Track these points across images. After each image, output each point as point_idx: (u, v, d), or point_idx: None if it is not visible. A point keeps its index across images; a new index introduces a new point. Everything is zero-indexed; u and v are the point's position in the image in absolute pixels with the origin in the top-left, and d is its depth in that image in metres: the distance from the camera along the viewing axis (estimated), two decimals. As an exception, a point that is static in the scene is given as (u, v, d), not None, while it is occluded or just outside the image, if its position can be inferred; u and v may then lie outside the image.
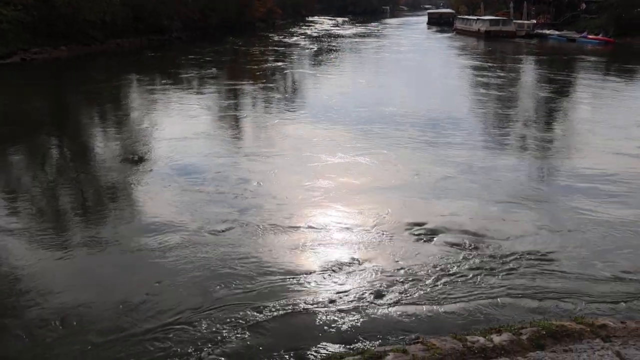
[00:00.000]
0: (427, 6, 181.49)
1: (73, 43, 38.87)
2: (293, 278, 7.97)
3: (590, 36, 52.46)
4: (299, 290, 7.65)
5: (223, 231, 9.46)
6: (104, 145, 15.76)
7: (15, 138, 16.50)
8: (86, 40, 40.22)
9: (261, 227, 9.65)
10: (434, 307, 7.28)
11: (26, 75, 31.19)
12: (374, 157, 13.69)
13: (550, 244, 9.13)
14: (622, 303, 7.43)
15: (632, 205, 10.93)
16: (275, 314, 7.05)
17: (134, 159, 13.94)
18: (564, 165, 13.62)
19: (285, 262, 8.45)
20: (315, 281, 7.91)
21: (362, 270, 8.18)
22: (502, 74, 30.43)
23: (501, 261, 8.50)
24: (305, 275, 8.05)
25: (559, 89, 26.13)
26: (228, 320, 6.92)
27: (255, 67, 32.94)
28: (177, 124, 17.65)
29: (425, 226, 9.63)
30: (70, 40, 38.74)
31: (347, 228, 9.66)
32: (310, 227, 9.76)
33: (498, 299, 7.48)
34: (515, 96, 24.15)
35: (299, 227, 9.70)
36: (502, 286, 7.79)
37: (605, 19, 53.91)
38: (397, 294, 7.54)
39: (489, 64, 35.14)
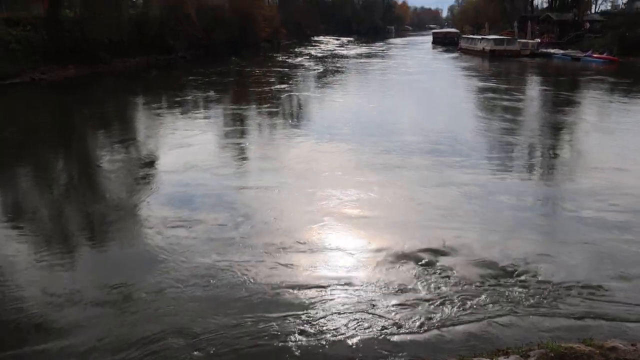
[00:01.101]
0: (431, 26, 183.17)
1: (81, 63, 39.18)
2: (291, 292, 7.96)
3: (594, 55, 52.58)
4: (303, 305, 7.62)
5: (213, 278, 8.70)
6: (106, 166, 15.67)
7: (22, 156, 16.61)
8: (94, 60, 40.53)
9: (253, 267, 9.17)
10: (439, 329, 7.21)
11: (35, 94, 31.47)
12: (383, 187, 12.92)
13: (556, 267, 9.05)
14: (632, 324, 7.34)
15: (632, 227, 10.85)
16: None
17: (134, 184, 13.66)
18: (570, 190, 13.30)
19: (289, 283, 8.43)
20: (316, 302, 7.85)
21: (364, 292, 8.11)
22: (508, 94, 30.32)
23: (506, 283, 8.42)
24: (304, 297, 8.00)
25: (565, 108, 26.04)
26: None
27: (260, 89, 32.31)
28: (181, 149, 16.94)
29: (430, 252, 9.46)
30: (78, 60, 39.05)
31: (350, 254, 9.53)
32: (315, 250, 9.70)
33: (504, 319, 7.41)
34: (523, 117, 24.02)
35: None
36: (508, 307, 7.71)
37: (609, 38, 54.10)
38: (401, 317, 7.47)
39: (495, 84, 35.10)
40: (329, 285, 8.30)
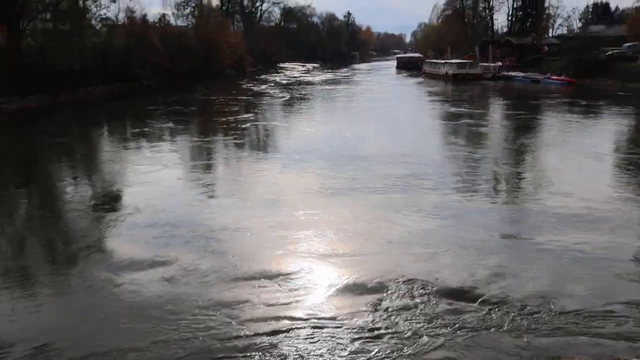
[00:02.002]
0: (395, 51, 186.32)
1: (42, 92, 38.49)
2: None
3: (553, 77, 54.12)
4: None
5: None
6: (65, 198, 15.31)
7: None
8: (56, 89, 39.88)
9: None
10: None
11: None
12: (349, 213, 12.77)
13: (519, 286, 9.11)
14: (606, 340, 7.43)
15: (590, 239, 11.09)
16: None
17: (88, 225, 12.79)
18: (533, 210, 13.43)
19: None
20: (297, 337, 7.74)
21: (339, 326, 7.97)
22: (473, 118, 30.69)
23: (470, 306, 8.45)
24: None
25: (526, 128, 26.72)
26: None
27: (224, 118, 31.07)
28: (140, 186, 15.92)
29: (394, 277, 9.37)
30: (39, 89, 38.37)
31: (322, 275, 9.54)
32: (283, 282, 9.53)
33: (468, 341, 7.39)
34: (489, 140, 24.38)
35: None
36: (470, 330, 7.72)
37: (566, 61, 55.81)
38: (382, 349, 7.41)
39: (460, 108, 35.57)
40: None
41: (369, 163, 18.23)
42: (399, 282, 9.12)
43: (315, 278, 9.43)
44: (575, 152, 20.42)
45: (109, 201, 14.07)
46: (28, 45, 43.25)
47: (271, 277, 9.39)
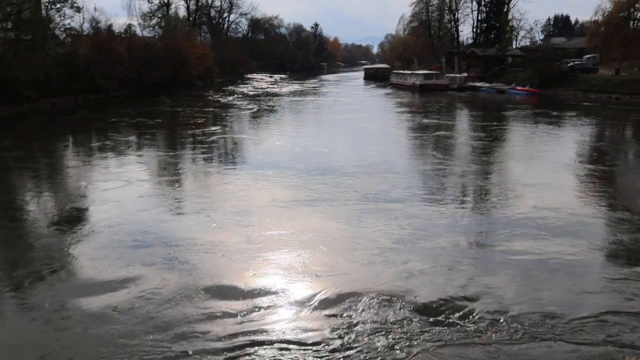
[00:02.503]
0: (362, 62, 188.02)
1: (4, 103, 37.59)
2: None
3: (517, 88, 55.28)
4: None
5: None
6: (18, 217, 14.74)
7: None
8: (18, 99, 39.02)
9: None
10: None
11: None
12: (321, 229, 12.41)
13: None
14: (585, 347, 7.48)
15: (551, 247, 11.26)
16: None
17: (49, 236, 12.48)
18: (500, 219, 13.57)
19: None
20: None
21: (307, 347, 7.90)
22: (442, 129, 30.81)
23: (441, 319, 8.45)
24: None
25: (492, 138, 27.09)
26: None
27: (191, 131, 30.18)
28: (103, 197, 15.32)
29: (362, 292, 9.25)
30: (1, 99, 37.47)
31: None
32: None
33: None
34: (457, 150, 24.56)
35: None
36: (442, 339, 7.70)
37: (530, 72, 57.11)
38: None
39: (427, 119, 35.77)
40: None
41: (341, 177, 17.67)
42: (371, 297, 8.96)
43: (285, 296, 9.10)
44: (542, 162, 20.79)
45: (67, 220, 13.34)
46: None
47: (238, 296, 9.04)
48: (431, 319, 8.24)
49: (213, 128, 31.43)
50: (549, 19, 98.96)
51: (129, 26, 68.09)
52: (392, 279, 9.69)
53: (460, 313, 8.42)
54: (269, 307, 8.74)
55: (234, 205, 14.43)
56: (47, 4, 48.39)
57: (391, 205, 14.32)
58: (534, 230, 12.25)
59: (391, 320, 8.23)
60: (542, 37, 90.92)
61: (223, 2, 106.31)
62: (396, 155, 22.78)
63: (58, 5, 48.40)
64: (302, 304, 8.84)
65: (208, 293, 9.14)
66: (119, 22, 69.22)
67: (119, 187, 16.47)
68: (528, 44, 79.56)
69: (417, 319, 8.27)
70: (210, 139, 26.91)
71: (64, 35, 52.69)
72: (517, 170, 19.68)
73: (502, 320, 8.15)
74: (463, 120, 37.09)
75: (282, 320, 8.31)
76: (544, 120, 34.48)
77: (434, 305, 8.70)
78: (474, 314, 8.37)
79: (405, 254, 10.83)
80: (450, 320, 8.20)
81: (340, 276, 9.83)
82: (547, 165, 19.97)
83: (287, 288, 9.40)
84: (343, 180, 17.08)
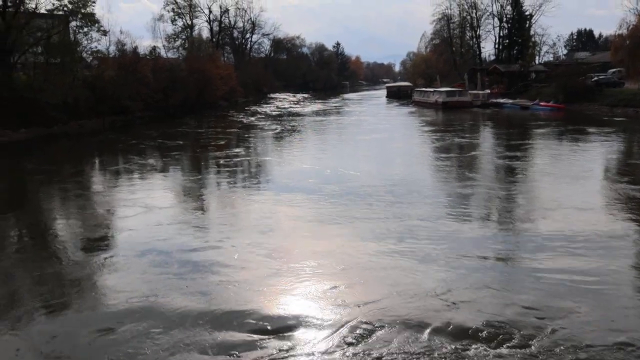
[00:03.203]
0: (385, 80, 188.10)
1: (34, 125, 38.49)
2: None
3: (542, 104, 54.76)
4: None
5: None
6: (56, 233, 15.17)
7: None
8: (47, 122, 39.91)
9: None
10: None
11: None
12: (351, 258, 11.89)
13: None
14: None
15: (577, 260, 11.15)
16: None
17: (86, 251, 12.99)
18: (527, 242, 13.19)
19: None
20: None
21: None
22: (465, 146, 30.70)
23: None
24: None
25: (520, 156, 26.70)
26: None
27: (215, 153, 30.31)
28: (127, 222, 15.46)
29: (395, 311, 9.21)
30: (31, 122, 38.37)
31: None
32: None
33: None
34: (478, 165, 24.44)
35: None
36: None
37: (554, 87, 56.57)
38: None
39: (451, 136, 35.39)
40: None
41: (373, 201, 16.95)
42: (403, 325, 8.65)
43: (313, 327, 8.81)
44: (570, 179, 20.42)
45: (90, 247, 13.25)
46: (20, 78, 43.32)
47: (265, 330, 8.71)
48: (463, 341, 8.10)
49: (236, 150, 31.18)
50: (572, 34, 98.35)
51: (154, 48, 69.65)
52: (430, 309, 9.25)
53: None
54: (295, 338, 8.50)
55: (259, 233, 13.90)
56: (75, 28, 49.69)
57: (427, 231, 13.69)
58: (559, 244, 12.08)
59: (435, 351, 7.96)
60: (565, 52, 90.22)
61: (246, 23, 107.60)
62: (427, 176, 22.39)
63: (85, 29, 49.74)
64: (331, 335, 8.49)
65: (230, 325, 8.84)
66: (144, 44, 70.67)
67: (141, 213, 16.24)
68: (551, 59, 78.85)
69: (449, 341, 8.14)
70: (234, 161, 26.64)
71: (91, 58, 53.88)
72: (547, 189, 19.26)
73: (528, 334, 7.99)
74: (489, 138, 36.67)
75: (310, 353, 8.08)
76: (570, 136, 34.09)
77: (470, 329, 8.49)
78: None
79: (444, 284, 10.28)
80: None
81: (374, 304, 9.44)
82: (575, 182, 19.66)
83: (314, 318, 9.04)
84: (376, 205, 16.42)
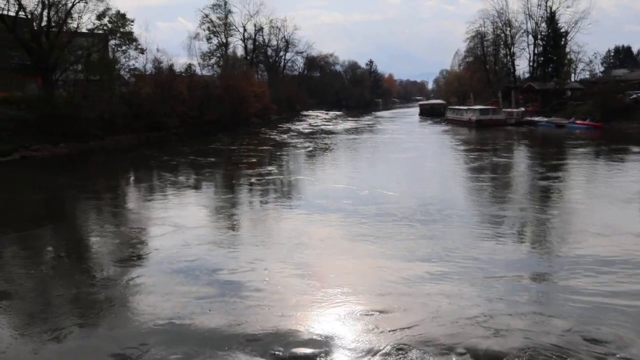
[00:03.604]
0: (417, 98, 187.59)
1: (72, 140, 39.55)
2: None
3: (578, 122, 53.83)
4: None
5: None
6: (88, 249, 15.42)
7: (8, 232, 16.46)
8: (85, 137, 40.99)
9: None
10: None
11: (23, 172, 31.56)
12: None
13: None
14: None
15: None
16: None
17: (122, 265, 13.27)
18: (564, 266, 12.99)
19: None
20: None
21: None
22: (503, 166, 30.26)
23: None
24: None
25: (554, 174, 26.21)
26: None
27: (249, 170, 29.55)
28: (161, 235, 15.71)
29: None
30: (70, 137, 39.46)
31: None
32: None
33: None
34: (514, 185, 24.01)
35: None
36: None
37: (591, 105, 55.61)
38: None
39: (488, 156, 34.78)
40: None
41: (414, 224, 16.29)
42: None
43: (348, 357, 8.48)
44: (611, 201, 19.62)
45: (123, 262, 13.40)
46: (60, 95, 44.67)
47: (295, 357, 8.48)
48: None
49: (269, 168, 30.70)
50: (609, 51, 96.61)
51: (189, 66, 71.04)
52: (470, 336, 8.91)
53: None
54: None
55: (291, 254, 13.50)
56: (114, 46, 51.17)
57: (463, 252, 13.29)
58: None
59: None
60: (602, 69, 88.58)
61: (279, 41, 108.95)
62: (462, 197, 21.81)
63: (124, 48, 51.19)
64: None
65: (257, 350, 8.63)
66: (180, 62, 71.80)
67: (171, 232, 16.09)
68: (587, 76, 77.73)
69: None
70: (266, 179, 26.17)
71: (129, 76, 55.30)
72: (589, 211, 18.74)
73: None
74: (525, 158, 35.52)
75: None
76: (610, 155, 33.27)
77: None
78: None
79: (485, 309, 9.95)
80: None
81: (410, 330, 9.11)
82: (622, 206, 18.75)
83: (346, 345, 8.74)
84: (411, 226, 15.97)
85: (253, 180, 26.20)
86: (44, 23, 44.09)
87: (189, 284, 11.57)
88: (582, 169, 28.63)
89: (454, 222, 16.62)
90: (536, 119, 60.92)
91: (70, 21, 45.32)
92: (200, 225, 17.45)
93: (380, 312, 9.93)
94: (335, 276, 11.87)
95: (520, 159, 34.58)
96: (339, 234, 15.67)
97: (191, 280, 11.83)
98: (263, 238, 15.63)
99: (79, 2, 44.78)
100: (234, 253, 13.94)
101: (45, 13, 43.69)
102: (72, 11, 44.89)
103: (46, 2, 43.17)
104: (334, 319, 9.77)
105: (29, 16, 43.65)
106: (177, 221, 17.37)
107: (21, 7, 42.41)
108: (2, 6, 41.78)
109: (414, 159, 34.55)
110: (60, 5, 43.98)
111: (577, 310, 9.73)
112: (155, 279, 11.96)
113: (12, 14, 42.25)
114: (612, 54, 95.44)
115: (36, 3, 43.26)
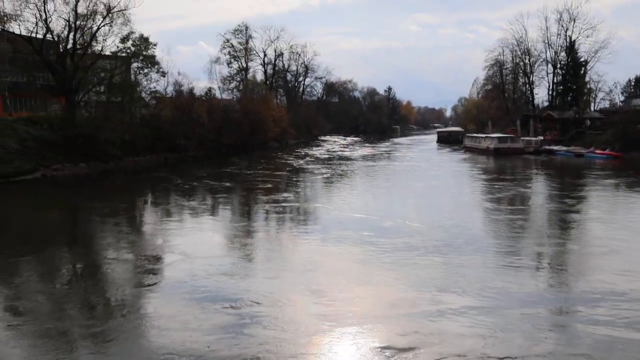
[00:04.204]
0: (435, 125, 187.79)
1: (92, 160, 40.20)
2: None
3: (597, 151, 53.33)
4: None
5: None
6: (105, 271, 15.50)
7: (26, 251, 16.77)
8: (104, 157, 41.61)
9: None
10: None
11: (43, 190, 32.09)
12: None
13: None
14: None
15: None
16: None
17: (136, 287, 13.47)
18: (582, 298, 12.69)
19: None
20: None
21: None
22: (518, 193, 29.93)
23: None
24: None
25: (572, 204, 25.80)
26: None
27: (263, 196, 29.13)
28: (170, 263, 15.58)
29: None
30: (90, 157, 40.10)
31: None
32: None
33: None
34: (535, 216, 23.60)
35: None
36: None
37: (611, 135, 55.09)
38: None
39: (504, 183, 34.34)
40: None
41: (422, 252, 16.12)
42: None
43: None
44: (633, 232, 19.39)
45: (137, 288, 13.44)
46: (82, 115, 45.50)
47: None
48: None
49: (285, 194, 29.68)
50: (629, 80, 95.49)
51: (209, 89, 72.12)
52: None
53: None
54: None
55: (306, 288, 12.96)
56: (136, 69, 52.17)
57: (483, 285, 13.01)
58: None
59: None
60: (622, 98, 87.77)
61: (299, 67, 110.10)
62: (482, 228, 21.16)
63: (146, 71, 52.15)
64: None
65: None
66: (200, 86, 72.97)
67: (182, 260, 15.63)
68: (607, 106, 77.10)
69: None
70: (282, 206, 25.35)
71: (149, 98, 56.17)
72: (596, 242, 18.64)
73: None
74: (547, 189, 33.99)
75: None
76: (631, 186, 32.60)
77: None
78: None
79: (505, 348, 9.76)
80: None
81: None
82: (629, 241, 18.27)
83: None
84: (431, 257, 15.53)
85: (268, 207, 25.42)
86: (69, 45, 45.17)
87: (197, 316, 11.19)
88: (603, 201, 27.84)
89: (478, 254, 16.01)
90: (555, 147, 60.48)
91: (94, 44, 46.41)
92: (213, 254, 16.69)
93: (399, 349, 9.59)
94: (352, 314, 11.29)
95: (541, 190, 33.49)
96: (357, 267, 15.01)
97: (202, 313, 11.34)
98: (277, 271, 14.79)
99: (104, 25, 45.92)
100: (246, 285, 13.23)
101: (71, 36, 44.82)
102: (97, 34, 45.99)
103: (73, 25, 44.27)
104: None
105: (56, 39, 44.76)
106: (189, 249, 16.90)
107: (49, 30, 43.58)
108: (31, 29, 42.98)
109: (434, 187, 33.80)
110: (86, 29, 45.04)
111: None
112: (163, 310, 11.61)
113: (39, 36, 43.36)
114: (633, 83, 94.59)
115: (63, 26, 44.51)
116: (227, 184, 34.76)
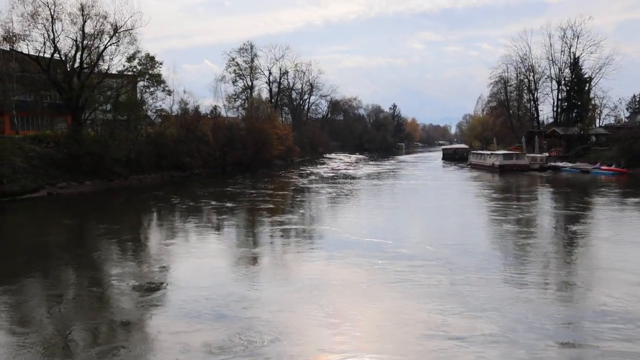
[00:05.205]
0: (440, 142, 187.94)
1: (97, 178, 40.38)
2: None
3: (603, 167, 53.22)
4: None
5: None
6: (109, 288, 15.42)
7: (31, 269, 16.80)
8: (110, 175, 41.78)
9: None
10: None
11: (49, 208, 32.14)
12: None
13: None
14: None
15: None
16: None
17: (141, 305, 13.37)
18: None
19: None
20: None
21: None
22: (526, 211, 29.53)
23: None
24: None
25: (582, 225, 25.25)
26: None
27: (267, 217, 28.19)
28: (174, 288, 14.75)
29: None
30: (96, 175, 40.29)
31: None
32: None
33: None
34: (537, 232, 23.42)
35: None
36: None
37: (616, 151, 55.02)
38: None
39: (510, 202, 34.12)
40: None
41: (431, 273, 15.51)
42: None
43: None
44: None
45: (140, 308, 13.25)
46: (88, 134, 45.77)
47: None
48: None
49: (289, 216, 28.55)
50: (634, 96, 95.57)
51: (215, 107, 72.65)
52: None
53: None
54: None
55: (314, 322, 12.03)
56: (142, 87, 52.57)
57: (497, 311, 12.37)
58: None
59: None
60: (627, 114, 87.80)
61: (304, 85, 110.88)
62: (491, 249, 19.94)
63: (152, 89, 52.55)
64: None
65: None
66: (206, 104, 73.69)
67: (185, 287, 14.78)
68: (612, 122, 77.13)
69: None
70: (285, 227, 24.37)
71: (155, 116, 56.49)
72: (601, 261, 18.38)
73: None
74: (554, 206, 33.46)
75: None
76: (631, 202, 32.42)
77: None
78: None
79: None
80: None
81: None
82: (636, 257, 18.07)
83: None
84: (440, 279, 14.92)
85: (271, 229, 24.52)
86: (76, 64, 45.62)
87: (198, 334, 11.02)
88: (610, 218, 27.34)
89: (484, 277, 15.32)
90: (560, 164, 60.41)
91: (101, 63, 46.92)
92: (214, 285, 15.16)
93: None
94: (359, 342, 10.78)
95: (549, 207, 32.53)
96: (366, 294, 14.05)
97: (203, 329, 11.25)
98: (281, 294, 14.07)
99: (111, 44, 46.40)
100: (250, 312, 12.45)
101: (78, 55, 45.28)
102: (104, 53, 46.47)
103: (80, 44, 44.74)
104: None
105: (63, 58, 45.22)
106: (188, 273, 16.53)
107: (56, 49, 44.04)
108: (39, 49, 43.49)
109: (441, 208, 32.54)
110: (93, 48, 45.50)
111: None
112: (166, 328, 11.44)
113: (47, 55, 43.83)
114: (638, 99, 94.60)
115: (70, 46, 45.04)
116: (231, 204, 33.28)
